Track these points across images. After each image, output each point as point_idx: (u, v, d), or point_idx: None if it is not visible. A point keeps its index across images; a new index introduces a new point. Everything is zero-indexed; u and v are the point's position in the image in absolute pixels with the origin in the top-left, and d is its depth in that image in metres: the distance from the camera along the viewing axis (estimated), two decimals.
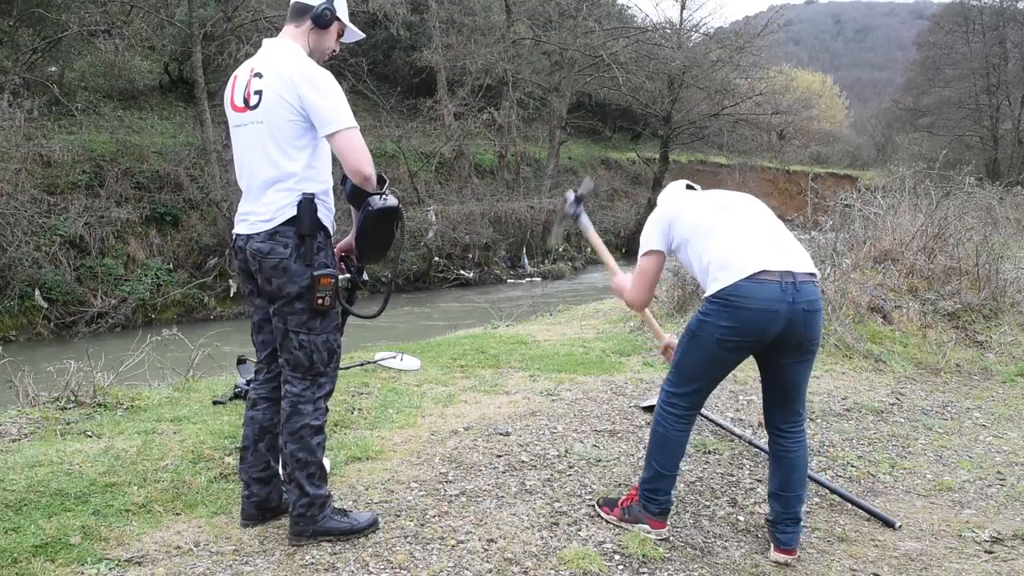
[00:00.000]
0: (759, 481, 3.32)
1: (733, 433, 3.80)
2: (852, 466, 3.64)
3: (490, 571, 2.44)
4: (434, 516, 2.78)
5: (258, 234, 2.45)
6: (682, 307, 6.15)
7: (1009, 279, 6.72)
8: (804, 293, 2.48)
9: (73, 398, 3.85)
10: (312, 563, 2.44)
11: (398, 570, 2.43)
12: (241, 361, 4.25)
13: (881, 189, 8.64)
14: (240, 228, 2.53)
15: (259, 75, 2.44)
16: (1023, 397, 4.93)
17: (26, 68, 14.47)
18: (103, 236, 12.83)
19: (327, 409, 2.60)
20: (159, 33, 17.50)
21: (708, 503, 3.11)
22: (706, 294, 2.57)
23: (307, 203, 2.41)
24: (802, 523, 2.75)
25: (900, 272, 6.58)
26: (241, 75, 2.52)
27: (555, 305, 8.75)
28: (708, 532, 2.86)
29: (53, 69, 15.71)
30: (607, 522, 2.80)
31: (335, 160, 2.46)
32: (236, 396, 3.95)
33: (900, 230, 7.08)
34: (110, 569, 2.37)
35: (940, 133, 30.53)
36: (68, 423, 3.58)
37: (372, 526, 2.64)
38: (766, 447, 3.37)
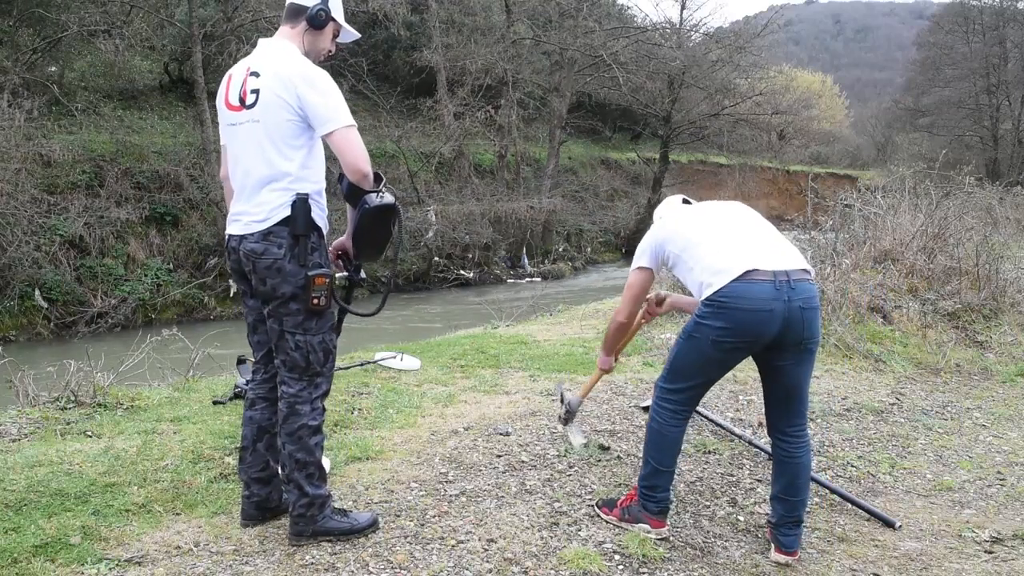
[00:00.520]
0: (759, 481, 3.32)
1: (733, 433, 3.80)
2: (852, 466, 3.65)
3: (490, 571, 2.44)
4: (434, 516, 2.78)
5: (252, 234, 2.44)
6: None
7: (1009, 279, 6.73)
8: (800, 291, 2.48)
9: (73, 398, 3.84)
10: (312, 563, 2.44)
11: (398, 570, 2.43)
12: (241, 361, 4.24)
13: (881, 189, 8.66)
14: (233, 229, 2.52)
15: (256, 74, 2.42)
16: (1023, 397, 4.93)
17: (26, 68, 14.46)
18: (103, 236, 12.82)
19: (324, 409, 2.60)
20: (159, 33, 17.50)
21: (708, 503, 3.11)
22: (701, 298, 2.58)
23: (301, 203, 2.41)
24: (803, 524, 2.75)
25: (900, 272, 6.58)
26: (236, 73, 2.50)
27: (555, 305, 8.75)
28: (708, 532, 2.86)
29: (53, 69, 15.70)
30: (607, 523, 2.81)
31: (332, 159, 2.45)
32: (236, 396, 3.95)
33: (900, 230, 7.09)
34: (110, 569, 2.37)
35: (940, 133, 30.52)
36: (68, 423, 3.58)
37: (372, 526, 2.64)
38: (766, 447, 3.38)
